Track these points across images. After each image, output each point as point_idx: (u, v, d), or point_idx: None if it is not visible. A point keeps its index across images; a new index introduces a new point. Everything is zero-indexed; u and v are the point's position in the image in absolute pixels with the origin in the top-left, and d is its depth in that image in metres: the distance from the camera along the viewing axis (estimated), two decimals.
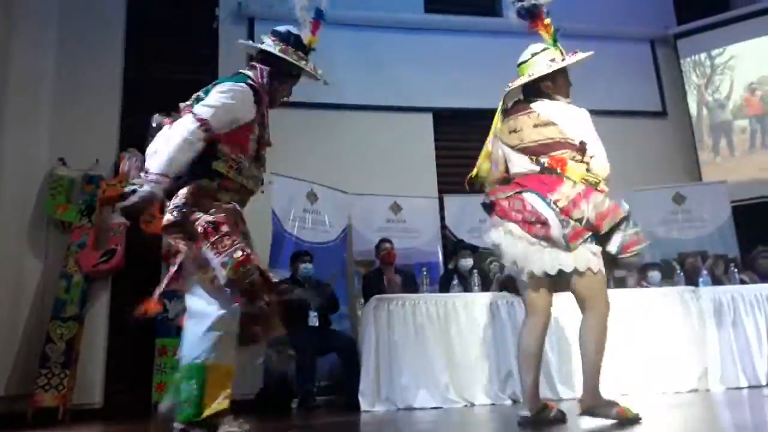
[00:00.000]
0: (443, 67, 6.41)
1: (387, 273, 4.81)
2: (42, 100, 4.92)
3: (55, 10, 5.18)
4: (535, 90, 2.69)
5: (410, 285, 4.67)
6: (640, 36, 7.06)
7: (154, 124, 2.30)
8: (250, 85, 2.34)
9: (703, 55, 6.90)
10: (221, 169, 2.25)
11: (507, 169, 2.66)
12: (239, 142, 2.31)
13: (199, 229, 2.13)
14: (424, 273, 4.55)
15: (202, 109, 2.20)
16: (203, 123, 2.16)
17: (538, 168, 2.50)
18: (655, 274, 4.91)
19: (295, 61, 2.43)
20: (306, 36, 2.51)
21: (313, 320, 4.40)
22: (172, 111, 2.30)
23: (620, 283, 4.71)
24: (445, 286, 4.61)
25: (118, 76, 5.41)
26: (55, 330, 4.45)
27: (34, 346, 4.41)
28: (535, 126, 2.58)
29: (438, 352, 3.96)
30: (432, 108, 6.50)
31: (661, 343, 4.14)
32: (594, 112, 6.61)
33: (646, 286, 4.74)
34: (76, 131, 5.01)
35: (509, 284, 4.09)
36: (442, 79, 6.39)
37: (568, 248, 2.35)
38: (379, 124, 6.13)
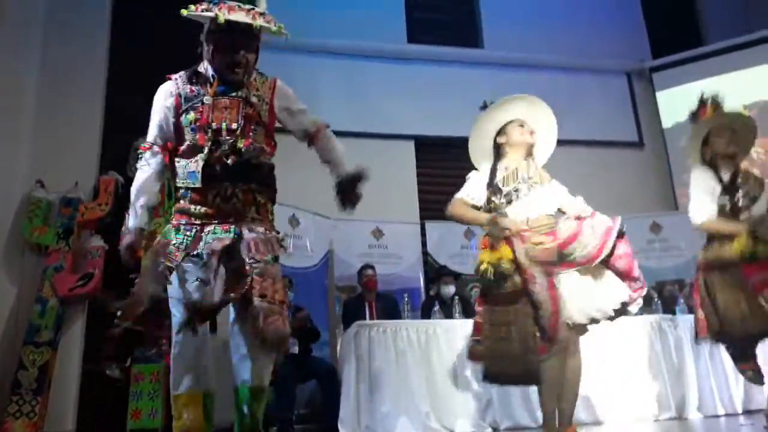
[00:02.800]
0: (426, 96, 6.52)
1: (368, 299, 4.80)
2: (22, 122, 4.87)
3: (38, 31, 5.16)
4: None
5: (392, 311, 4.66)
6: (616, 68, 7.26)
7: (136, 149, 2.39)
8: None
9: (678, 88, 7.11)
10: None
11: None
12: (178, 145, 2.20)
13: None
14: (406, 299, 4.55)
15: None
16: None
17: None
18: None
19: (193, 15, 2.12)
20: None
21: (293, 347, 4.36)
22: None
23: None
24: (426, 313, 4.60)
25: (100, 99, 5.37)
26: (27, 356, 4.33)
27: (6, 373, 4.30)
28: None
29: (419, 379, 3.94)
30: (414, 135, 6.59)
31: (639, 370, 4.18)
32: (572, 142, 6.80)
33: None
34: (56, 153, 4.95)
35: None
36: (425, 108, 6.49)
37: None
38: (361, 151, 6.09)
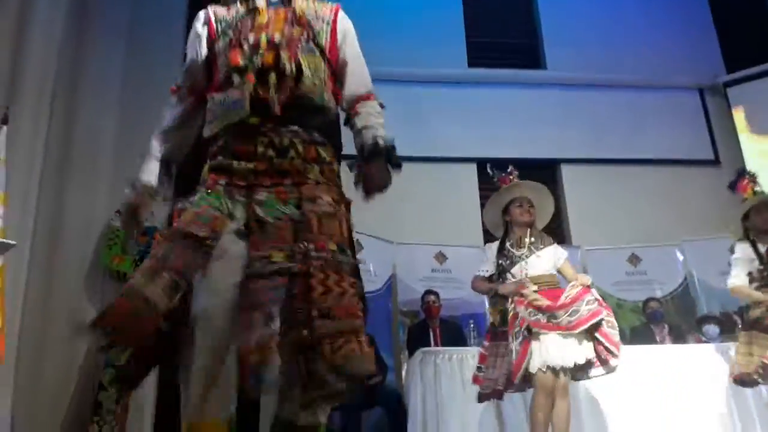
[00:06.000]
0: (488, 119, 6.48)
1: (432, 325, 4.75)
2: (103, 157, 5.17)
3: (118, 73, 5.51)
4: None
5: (456, 337, 4.59)
6: (688, 84, 6.98)
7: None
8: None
9: (755, 103, 6.76)
10: None
11: None
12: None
13: None
14: (472, 325, 4.48)
15: None
16: None
17: None
18: (712, 328, 4.68)
19: None
20: None
21: None
22: None
23: (678, 336, 4.51)
24: None
25: None
26: (107, 378, 4.52)
27: (87, 395, 4.49)
28: None
29: (486, 406, 3.84)
30: (476, 158, 6.53)
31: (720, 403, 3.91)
32: (644, 161, 6.57)
33: (705, 341, 4.52)
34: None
35: None
36: (487, 131, 6.44)
37: None
38: (423, 174, 6.18)
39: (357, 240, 5.46)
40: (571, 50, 6.85)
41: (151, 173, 1.71)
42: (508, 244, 3.34)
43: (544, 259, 3.27)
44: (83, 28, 5.19)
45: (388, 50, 6.35)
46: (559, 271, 3.32)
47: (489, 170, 3.64)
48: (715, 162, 6.76)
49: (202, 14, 1.75)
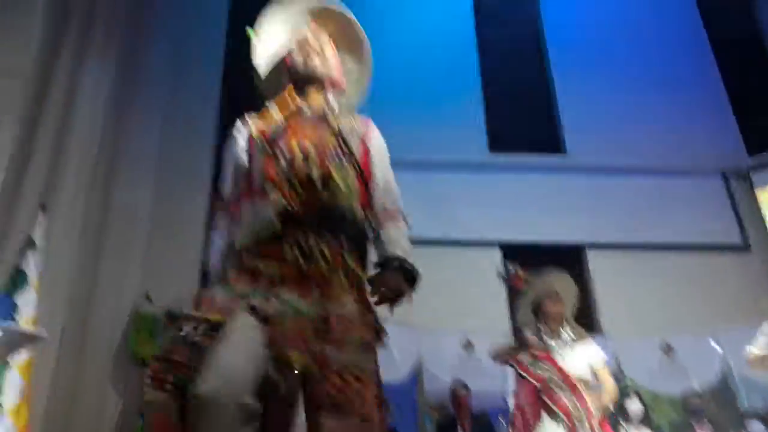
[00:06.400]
0: (511, 204, 6.52)
1: (463, 421, 4.57)
2: (135, 243, 5.28)
3: (155, 153, 5.72)
4: None
5: None
6: (710, 169, 6.99)
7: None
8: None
9: None
10: None
11: None
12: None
13: None
14: (502, 422, 4.30)
15: None
16: None
17: None
18: (757, 426, 4.44)
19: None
20: None
21: None
22: None
23: None
24: None
25: (203, 219, 5.79)
26: None
27: None
28: None
29: None
30: (500, 242, 6.51)
31: None
32: (669, 247, 6.47)
33: None
34: (164, 268, 5.29)
35: None
36: (510, 215, 6.47)
37: None
38: (447, 259, 6.16)
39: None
40: (591, 136, 6.96)
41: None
42: (543, 335, 3.38)
43: (581, 357, 3.28)
44: (122, 114, 5.46)
45: (411, 137, 6.53)
46: (594, 374, 3.31)
47: (498, 275, 3.99)
48: (745, 247, 6.66)
49: (241, 126, 1.82)
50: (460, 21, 7.74)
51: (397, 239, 1.70)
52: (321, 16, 1.97)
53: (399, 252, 1.66)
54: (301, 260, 1.55)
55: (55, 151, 4.36)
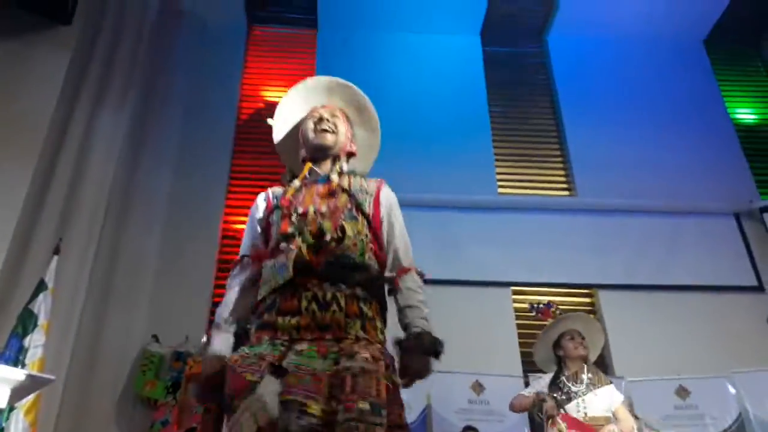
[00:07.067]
0: (521, 244, 6.50)
1: None
2: (143, 282, 5.34)
3: (165, 198, 5.83)
4: None
5: None
6: (722, 210, 6.94)
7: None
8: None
9: None
10: None
11: None
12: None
13: None
14: None
15: None
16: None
17: None
18: None
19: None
20: None
21: None
22: None
23: None
24: None
25: (213, 259, 5.84)
26: None
27: None
28: None
29: None
30: (511, 282, 6.48)
31: None
32: (681, 288, 6.40)
33: None
34: (171, 309, 5.33)
35: None
36: (521, 255, 6.44)
37: None
38: (457, 299, 6.11)
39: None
40: (599, 176, 6.97)
41: (223, 344, 1.74)
42: (563, 378, 3.34)
43: (601, 399, 3.25)
44: (136, 159, 5.59)
45: (422, 178, 6.59)
46: (613, 414, 3.28)
47: (530, 308, 3.85)
48: (759, 288, 6.55)
49: (262, 193, 2.03)
50: (470, 65, 7.89)
51: (417, 306, 1.79)
52: (334, 92, 2.17)
53: (420, 326, 1.75)
54: (316, 309, 1.62)
55: (69, 195, 4.47)
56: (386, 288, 1.87)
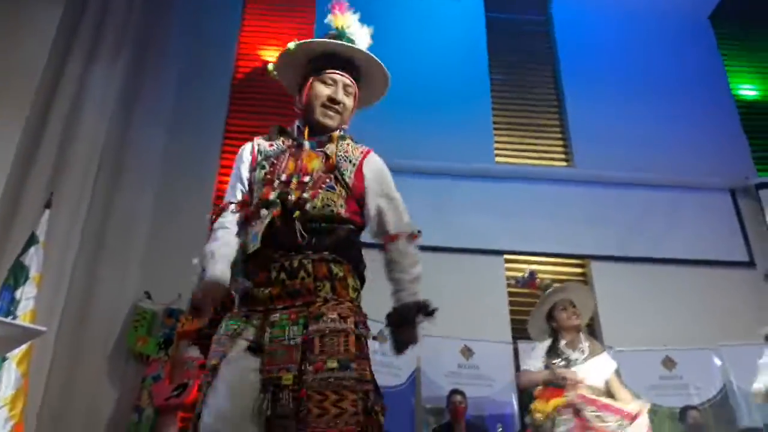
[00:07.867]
0: (516, 213, 6.51)
1: (457, 428, 4.55)
2: (136, 239, 5.32)
3: (159, 155, 5.77)
4: None
5: None
6: (719, 185, 6.95)
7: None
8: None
9: None
10: None
11: None
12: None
13: None
14: (500, 429, 4.29)
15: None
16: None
17: None
18: None
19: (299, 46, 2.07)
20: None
21: None
22: None
23: None
24: None
25: (207, 218, 5.81)
26: None
27: None
28: None
29: None
30: (504, 251, 6.50)
31: None
32: (675, 261, 6.44)
33: None
34: (163, 267, 5.32)
35: None
36: (516, 224, 6.45)
37: None
38: (450, 266, 6.14)
39: (381, 331, 5.34)
40: (598, 148, 6.94)
41: (219, 268, 1.73)
42: (560, 346, 3.40)
43: (598, 368, 3.31)
44: (129, 117, 5.51)
45: (419, 144, 6.55)
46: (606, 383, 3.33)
47: (515, 282, 3.90)
48: (750, 264, 6.60)
49: (248, 144, 1.99)
50: (472, 31, 7.76)
51: (410, 281, 1.82)
52: (371, 71, 2.08)
53: (412, 297, 1.79)
54: (285, 278, 1.67)
55: (61, 149, 4.42)
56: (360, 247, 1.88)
